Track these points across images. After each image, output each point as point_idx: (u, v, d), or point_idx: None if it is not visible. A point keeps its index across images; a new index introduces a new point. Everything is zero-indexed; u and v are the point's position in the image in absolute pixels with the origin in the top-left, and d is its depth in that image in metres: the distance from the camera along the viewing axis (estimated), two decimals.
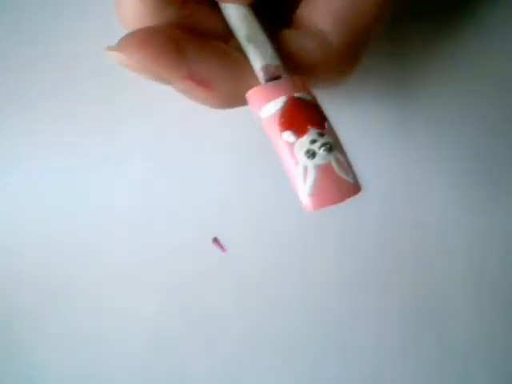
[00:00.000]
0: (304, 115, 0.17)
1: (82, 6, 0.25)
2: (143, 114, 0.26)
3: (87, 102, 0.26)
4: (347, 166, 0.17)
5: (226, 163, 0.26)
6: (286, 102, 0.18)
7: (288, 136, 0.17)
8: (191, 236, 0.26)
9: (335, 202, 0.17)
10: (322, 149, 0.17)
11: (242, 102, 0.19)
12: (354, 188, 0.17)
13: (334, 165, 0.17)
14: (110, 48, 0.18)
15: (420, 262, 0.27)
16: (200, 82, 0.19)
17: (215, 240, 0.26)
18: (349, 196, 0.17)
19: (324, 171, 0.17)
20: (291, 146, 0.17)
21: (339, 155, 0.17)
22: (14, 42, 0.25)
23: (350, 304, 0.27)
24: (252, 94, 0.18)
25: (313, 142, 0.17)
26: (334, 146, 0.17)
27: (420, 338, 0.27)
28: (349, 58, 0.19)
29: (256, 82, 0.19)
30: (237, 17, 0.19)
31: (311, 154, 0.17)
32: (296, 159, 0.17)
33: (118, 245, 0.26)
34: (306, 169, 0.17)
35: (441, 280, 0.27)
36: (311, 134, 0.17)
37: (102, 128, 0.26)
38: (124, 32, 0.18)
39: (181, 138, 0.26)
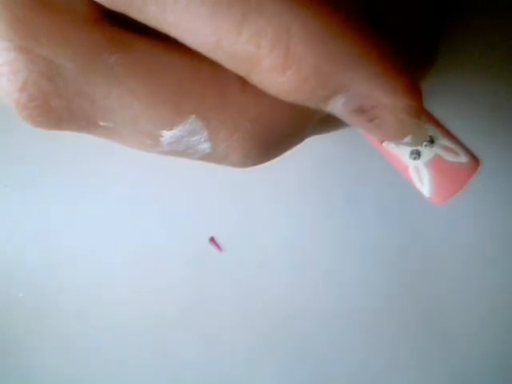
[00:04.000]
0: None
1: None
2: None
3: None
4: (456, 148, 0.17)
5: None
6: None
7: (388, 145, 0.18)
8: (188, 235, 0.26)
9: (460, 188, 0.17)
10: (424, 144, 0.17)
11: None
12: (472, 166, 0.17)
13: (442, 154, 0.17)
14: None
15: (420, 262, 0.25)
16: None
17: (212, 240, 0.26)
18: (470, 176, 0.17)
19: (435, 166, 0.17)
20: (395, 153, 0.17)
21: (443, 141, 0.17)
22: None
23: (349, 304, 0.26)
24: None
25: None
26: (434, 136, 0.17)
27: (420, 338, 0.26)
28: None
29: None
30: None
31: (416, 154, 0.17)
32: (404, 164, 0.17)
33: (115, 245, 0.27)
34: (417, 170, 0.17)
35: (440, 279, 0.25)
36: None
37: None
38: None
39: None
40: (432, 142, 0.17)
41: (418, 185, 0.17)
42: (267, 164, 0.26)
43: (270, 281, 0.27)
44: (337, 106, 0.15)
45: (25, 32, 0.14)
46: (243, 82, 0.15)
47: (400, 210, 0.26)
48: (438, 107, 0.23)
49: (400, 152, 0.17)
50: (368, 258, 0.26)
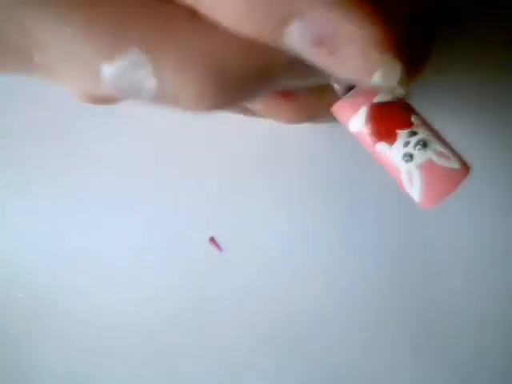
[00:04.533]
0: (389, 120, 0.18)
1: None
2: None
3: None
4: (448, 153, 0.17)
5: (223, 162, 0.27)
6: (368, 112, 0.18)
7: (381, 147, 0.18)
8: (188, 235, 0.27)
9: (449, 194, 0.17)
10: (417, 148, 0.17)
11: (321, 114, 0.20)
12: (463, 172, 0.17)
13: (434, 159, 0.17)
14: None
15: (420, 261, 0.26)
16: (285, 94, 0.20)
17: (212, 240, 0.26)
18: (460, 181, 0.17)
19: (427, 169, 0.17)
20: (387, 155, 0.18)
21: (436, 146, 0.17)
22: None
23: (348, 304, 0.26)
24: (335, 111, 0.19)
25: (406, 144, 0.17)
26: (427, 140, 0.17)
27: (419, 338, 0.26)
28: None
29: (335, 93, 0.19)
30: None
31: (409, 157, 0.17)
32: (397, 166, 0.18)
33: (115, 245, 0.27)
34: (409, 173, 0.17)
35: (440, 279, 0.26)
36: (401, 137, 0.17)
37: None
38: None
39: (180, 136, 0.27)
40: (425, 146, 0.17)
41: (408, 188, 0.18)
42: (267, 164, 0.26)
43: (269, 281, 0.27)
44: (294, 38, 0.13)
45: None
46: (193, 14, 0.14)
47: (400, 211, 0.26)
48: (431, 106, 0.23)
49: (393, 154, 0.18)
50: (368, 259, 0.27)
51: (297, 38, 0.13)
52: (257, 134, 0.27)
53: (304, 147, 0.25)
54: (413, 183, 0.17)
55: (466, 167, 0.17)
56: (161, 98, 0.15)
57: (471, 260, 0.26)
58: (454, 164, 0.17)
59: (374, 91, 0.18)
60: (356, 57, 0.13)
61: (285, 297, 0.27)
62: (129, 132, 0.27)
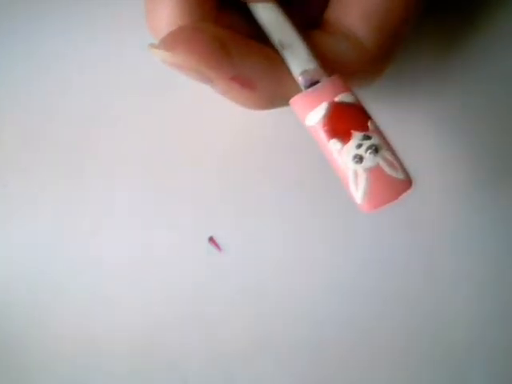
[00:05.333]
0: (347, 120, 0.18)
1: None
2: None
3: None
4: (396, 163, 0.18)
5: (223, 162, 0.27)
6: (328, 108, 0.18)
7: (334, 144, 0.18)
8: (187, 235, 0.27)
9: (389, 201, 0.17)
10: (369, 152, 0.18)
11: (282, 103, 0.20)
12: (406, 184, 0.18)
13: (383, 165, 0.18)
14: (154, 45, 0.18)
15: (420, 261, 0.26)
16: (243, 83, 0.20)
17: (211, 239, 0.26)
18: (401, 193, 0.18)
19: (373, 174, 0.17)
20: (338, 153, 0.18)
21: (386, 154, 0.18)
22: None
23: (348, 305, 0.27)
24: (294, 103, 0.19)
25: (358, 146, 0.18)
26: (379, 146, 0.18)
27: (419, 338, 0.27)
28: (382, 58, 0.19)
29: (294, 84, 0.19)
30: (269, 20, 0.20)
31: (359, 159, 0.18)
32: (345, 165, 0.18)
33: (115, 244, 0.27)
34: (355, 174, 0.18)
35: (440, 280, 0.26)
36: (356, 138, 0.18)
37: None
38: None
39: (179, 136, 0.27)
40: (376, 151, 0.18)
41: (352, 189, 0.18)
42: (267, 164, 0.26)
43: (269, 281, 0.27)
44: None
45: None
46: None
47: (400, 211, 0.26)
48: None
49: (344, 153, 0.18)
50: (368, 259, 0.26)
51: None
52: (257, 133, 0.27)
53: (304, 147, 0.25)
54: (357, 185, 0.18)
55: (409, 180, 0.18)
56: None
57: (473, 271, 0.26)
58: (400, 175, 0.18)
59: (336, 90, 0.19)
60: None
61: (285, 297, 0.27)
62: (128, 129, 0.27)
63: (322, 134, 0.18)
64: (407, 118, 0.26)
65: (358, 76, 0.20)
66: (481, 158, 0.26)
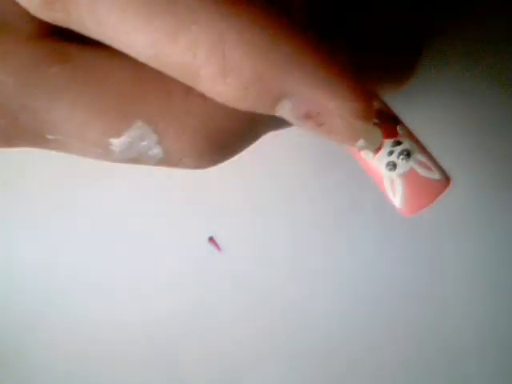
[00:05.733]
0: None
1: None
2: None
3: None
4: (430, 164, 0.18)
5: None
6: None
7: (366, 155, 0.18)
8: (187, 235, 0.27)
9: (428, 203, 0.18)
10: (401, 157, 0.18)
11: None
12: (443, 184, 0.18)
13: (417, 169, 0.18)
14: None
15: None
16: None
17: (211, 239, 0.26)
18: (440, 193, 0.18)
19: (408, 179, 0.18)
20: (371, 162, 0.18)
21: (419, 157, 0.18)
22: None
23: (347, 305, 0.26)
24: None
25: (390, 153, 0.18)
26: (411, 150, 0.18)
27: (418, 338, 0.26)
28: None
29: None
30: None
31: (392, 166, 0.18)
32: (380, 174, 0.18)
33: (114, 244, 0.27)
34: (391, 181, 0.18)
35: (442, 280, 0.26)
36: (386, 146, 0.18)
37: None
38: None
39: None
40: (408, 156, 0.18)
41: (390, 195, 0.18)
42: (267, 164, 0.26)
43: (269, 281, 0.27)
44: (284, 111, 0.15)
45: None
46: (188, 86, 0.15)
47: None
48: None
49: (377, 162, 0.18)
50: (368, 258, 0.27)
51: (287, 112, 0.15)
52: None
53: (305, 147, 0.25)
54: (394, 191, 0.18)
55: (446, 179, 0.18)
56: (166, 162, 0.17)
57: (474, 259, 0.26)
58: (436, 175, 0.18)
59: None
60: (341, 128, 0.15)
61: (285, 297, 0.27)
62: None
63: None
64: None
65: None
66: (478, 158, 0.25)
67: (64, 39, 0.15)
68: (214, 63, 0.13)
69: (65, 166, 0.27)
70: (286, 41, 0.14)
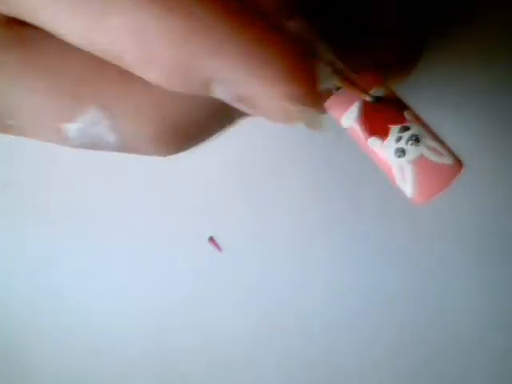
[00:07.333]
0: (381, 116, 0.18)
1: None
2: None
3: None
4: (441, 149, 0.17)
5: (223, 162, 0.27)
6: (361, 108, 0.18)
7: (373, 143, 0.17)
8: (187, 235, 0.27)
9: (441, 189, 0.17)
10: (410, 143, 0.17)
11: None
12: (455, 168, 0.17)
13: (427, 154, 0.17)
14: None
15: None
16: None
17: (211, 239, 0.26)
18: (452, 178, 0.17)
19: (419, 164, 0.17)
20: (379, 150, 0.17)
21: (429, 142, 0.17)
22: None
23: (347, 305, 0.26)
24: (328, 107, 0.19)
25: (398, 139, 0.17)
26: (420, 135, 0.17)
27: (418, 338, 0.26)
28: None
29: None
30: None
31: (401, 152, 0.17)
32: (389, 162, 0.17)
33: (114, 244, 0.27)
34: (401, 168, 0.17)
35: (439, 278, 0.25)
36: (394, 132, 0.17)
37: None
38: None
39: None
40: (418, 141, 0.17)
41: (401, 183, 0.17)
42: (267, 164, 0.26)
43: (269, 281, 0.27)
44: (217, 94, 0.15)
45: None
46: None
47: (402, 210, 0.26)
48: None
49: (385, 150, 0.17)
50: (368, 258, 0.26)
51: (221, 96, 0.15)
52: (257, 133, 0.27)
53: (305, 147, 0.25)
54: (405, 178, 0.17)
55: (458, 163, 0.17)
56: (123, 149, 0.17)
57: (475, 259, 0.26)
58: (447, 160, 0.17)
59: (366, 86, 0.18)
60: (274, 111, 0.15)
61: (285, 297, 0.27)
62: None
63: (360, 135, 0.18)
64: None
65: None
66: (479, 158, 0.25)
67: (22, 26, 0.15)
68: (137, 51, 0.13)
69: (65, 166, 0.27)
70: (210, 28, 0.13)
